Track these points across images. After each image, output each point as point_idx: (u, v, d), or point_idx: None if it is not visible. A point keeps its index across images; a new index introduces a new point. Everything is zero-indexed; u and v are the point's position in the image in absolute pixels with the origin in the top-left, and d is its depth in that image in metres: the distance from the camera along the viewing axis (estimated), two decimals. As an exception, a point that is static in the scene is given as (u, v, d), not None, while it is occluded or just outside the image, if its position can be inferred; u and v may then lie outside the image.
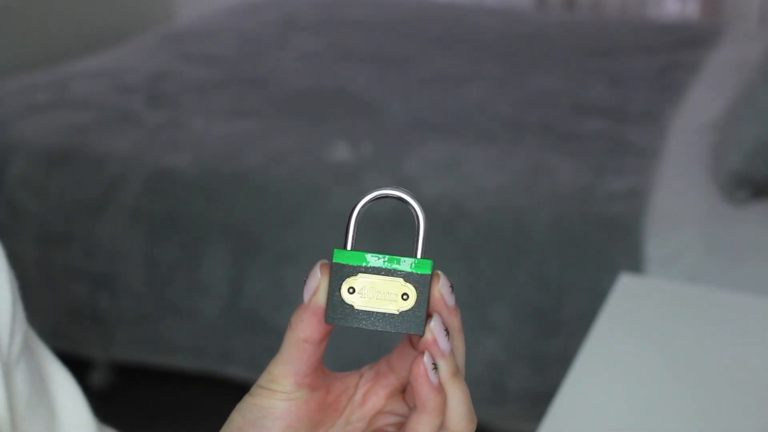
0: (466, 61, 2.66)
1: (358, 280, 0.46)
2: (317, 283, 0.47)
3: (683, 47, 2.73)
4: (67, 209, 1.95)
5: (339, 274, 0.46)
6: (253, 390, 0.49)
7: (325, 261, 0.47)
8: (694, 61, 2.57)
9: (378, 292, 0.46)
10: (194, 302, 1.90)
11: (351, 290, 0.46)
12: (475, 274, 1.76)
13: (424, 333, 0.46)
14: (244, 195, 1.89)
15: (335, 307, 0.46)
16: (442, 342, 0.46)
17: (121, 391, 2.07)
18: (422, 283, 0.46)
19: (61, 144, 2.02)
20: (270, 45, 2.76)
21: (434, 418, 0.46)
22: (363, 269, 0.46)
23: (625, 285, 1.11)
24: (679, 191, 1.83)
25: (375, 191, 0.47)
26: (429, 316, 0.46)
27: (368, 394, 0.51)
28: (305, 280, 0.47)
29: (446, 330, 0.46)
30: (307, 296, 0.47)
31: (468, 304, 1.76)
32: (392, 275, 0.46)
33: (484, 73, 2.54)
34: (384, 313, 0.46)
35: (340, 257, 0.47)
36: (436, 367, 0.46)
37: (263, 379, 0.48)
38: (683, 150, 2.00)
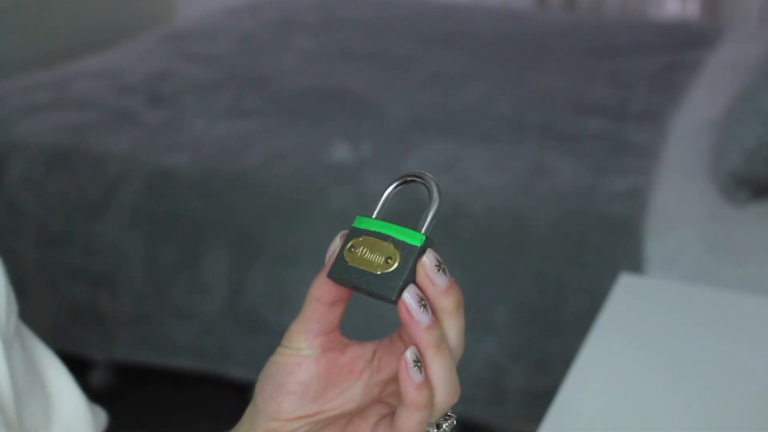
0: (467, 61, 2.66)
1: (359, 241, 0.49)
2: (335, 246, 0.50)
3: (683, 47, 2.73)
4: (67, 209, 1.95)
5: (350, 236, 0.49)
6: (276, 350, 0.52)
7: (346, 231, 0.50)
8: (694, 61, 2.57)
9: (370, 253, 0.48)
10: (194, 302, 1.90)
11: (351, 248, 0.49)
12: (475, 274, 1.76)
13: (394, 299, 0.47)
14: (244, 195, 1.89)
15: (337, 263, 0.49)
16: (416, 312, 0.47)
17: (121, 391, 2.07)
18: (408, 252, 0.48)
19: (61, 144, 2.02)
20: (270, 45, 2.76)
21: (414, 413, 0.47)
22: (367, 232, 0.49)
23: (625, 285, 1.11)
24: (679, 191, 1.83)
25: (401, 175, 0.51)
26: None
27: (384, 360, 0.53)
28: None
29: (422, 301, 0.47)
30: (327, 259, 0.50)
31: (468, 304, 1.75)
32: (385, 240, 0.49)
33: (484, 73, 2.54)
34: (367, 272, 0.48)
35: (358, 222, 0.50)
36: (418, 364, 0.47)
37: (283, 339, 0.52)
38: (683, 150, 1.99)
